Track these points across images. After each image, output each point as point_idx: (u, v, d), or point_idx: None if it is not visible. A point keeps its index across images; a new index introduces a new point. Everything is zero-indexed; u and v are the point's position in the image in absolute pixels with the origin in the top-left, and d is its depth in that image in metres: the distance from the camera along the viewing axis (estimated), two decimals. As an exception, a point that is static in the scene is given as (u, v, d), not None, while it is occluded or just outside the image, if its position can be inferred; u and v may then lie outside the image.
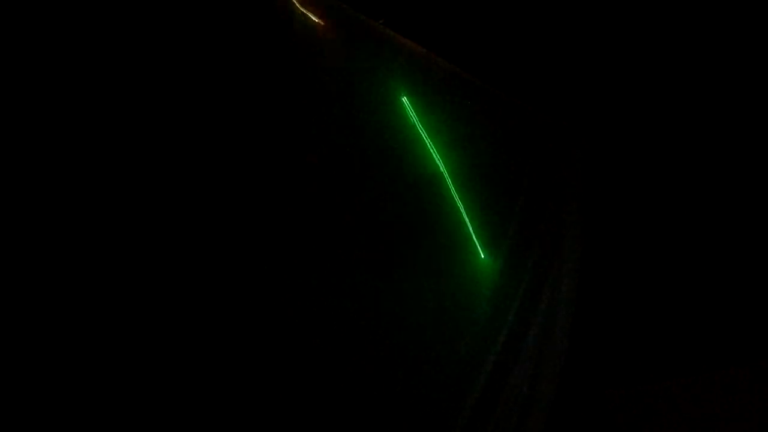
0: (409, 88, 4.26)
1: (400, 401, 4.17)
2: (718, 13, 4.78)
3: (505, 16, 4.69)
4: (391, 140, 4.24)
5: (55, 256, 3.47)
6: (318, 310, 4.01)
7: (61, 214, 3.50)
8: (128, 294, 3.58)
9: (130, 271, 3.62)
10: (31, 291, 3.43)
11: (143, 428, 3.54)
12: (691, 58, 4.91)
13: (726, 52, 4.85)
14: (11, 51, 3.47)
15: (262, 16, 4.01)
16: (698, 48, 4.88)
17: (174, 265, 3.67)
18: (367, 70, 4.20)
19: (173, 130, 3.74)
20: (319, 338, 3.99)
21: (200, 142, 3.80)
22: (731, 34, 4.81)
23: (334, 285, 4.04)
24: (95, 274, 3.57)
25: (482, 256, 4.50)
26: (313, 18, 4.08)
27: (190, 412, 3.63)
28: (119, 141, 3.64)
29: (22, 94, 3.48)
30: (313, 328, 4.00)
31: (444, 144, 4.35)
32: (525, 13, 4.73)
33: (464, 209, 4.38)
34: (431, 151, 4.30)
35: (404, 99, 4.23)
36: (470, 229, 4.42)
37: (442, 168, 4.34)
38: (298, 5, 4.05)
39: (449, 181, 4.37)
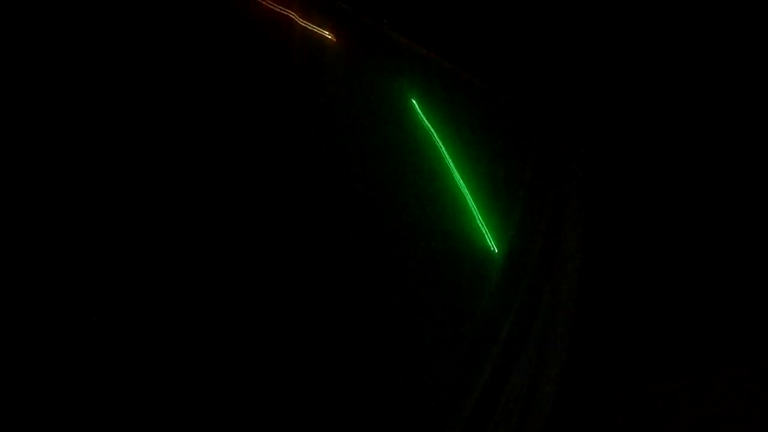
0: (418, 91, 4.36)
1: (401, 401, 4.18)
2: (718, 13, 4.78)
3: (506, 17, 4.69)
4: (403, 141, 4.34)
5: (51, 257, 3.48)
6: (319, 309, 4.02)
7: (53, 215, 3.50)
8: (132, 293, 3.59)
9: (135, 270, 3.62)
10: (30, 291, 3.43)
11: (143, 428, 3.54)
12: (691, 58, 4.91)
13: (726, 51, 4.85)
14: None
15: (277, 39, 4.11)
16: (698, 48, 4.88)
17: (197, 263, 3.72)
18: (378, 76, 4.32)
19: (195, 137, 3.83)
20: (319, 337, 4.00)
21: (224, 148, 3.89)
22: (731, 34, 4.81)
23: (341, 283, 4.06)
24: (92, 274, 3.57)
25: (494, 251, 4.55)
26: (324, 33, 4.19)
27: (190, 412, 3.63)
28: (141, 149, 3.69)
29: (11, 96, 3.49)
30: (314, 327, 4.00)
31: (452, 144, 4.42)
32: (526, 13, 4.73)
33: (474, 205, 4.45)
34: (441, 151, 4.40)
35: (414, 102, 4.34)
36: (481, 224, 4.49)
37: (451, 166, 4.43)
38: (309, 25, 4.14)
39: (458, 178, 4.45)
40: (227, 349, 3.76)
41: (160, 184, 3.72)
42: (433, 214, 4.40)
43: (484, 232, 4.53)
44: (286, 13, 4.14)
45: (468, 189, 4.44)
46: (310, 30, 4.18)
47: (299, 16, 4.16)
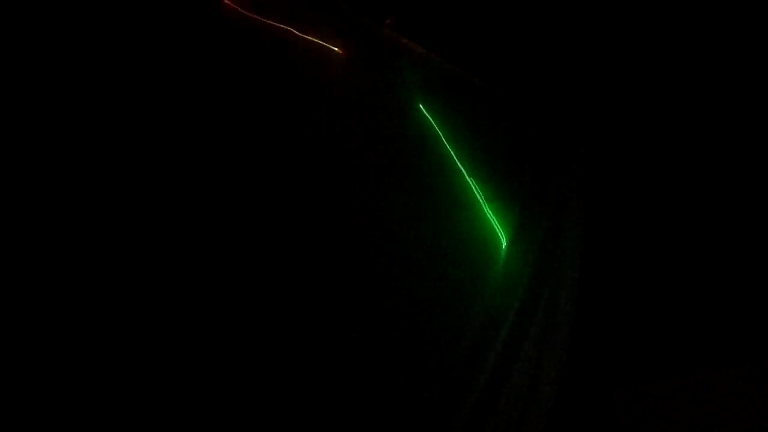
0: (425, 93, 4.45)
1: (400, 400, 4.18)
2: (718, 12, 4.78)
3: (505, 17, 4.69)
4: (414, 142, 4.44)
5: (49, 257, 3.48)
6: (319, 307, 4.02)
7: (51, 216, 3.51)
8: (130, 293, 3.59)
9: (134, 269, 3.62)
10: (30, 291, 3.43)
11: (143, 428, 3.54)
12: (690, 58, 4.91)
13: (726, 51, 4.85)
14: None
15: (285, 56, 4.20)
16: (698, 48, 4.88)
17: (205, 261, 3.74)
18: (387, 83, 4.41)
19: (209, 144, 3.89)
20: (318, 335, 4.00)
21: (235, 153, 3.99)
22: (731, 34, 4.81)
23: (342, 281, 4.08)
24: (92, 274, 3.57)
25: (504, 244, 4.60)
26: (332, 47, 4.26)
27: (190, 412, 3.63)
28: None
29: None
30: (313, 326, 4.01)
31: (458, 144, 4.49)
32: (526, 13, 4.73)
33: (484, 202, 4.53)
34: (449, 151, 4.48)
35: (421, 105, 4.44)
36: (492, 219, 4.56)
37: (460, 165, 4.51)
38: (317, 40, 4.22)
39: (467, 176, 4.51)
40: (228, 346, 3.76)
41: (173, 186, 3.74)
42: (442, 210, 4.46)
43: (494, 228, 4.56)
44: (293, 32, 4.20)
45: (477, 188, 4.49)
46: (318, 45, 4.26)
47: (308, 33, 4.23)
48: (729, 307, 4.79)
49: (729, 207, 4.87)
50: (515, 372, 4.47)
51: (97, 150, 3.65)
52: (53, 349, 3.39)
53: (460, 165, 4.50)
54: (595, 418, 4.80)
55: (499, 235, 4.57)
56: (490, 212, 4.53)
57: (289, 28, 4.23)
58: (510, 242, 4.63)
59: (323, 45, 4.27)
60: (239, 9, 4.13)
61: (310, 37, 4.25)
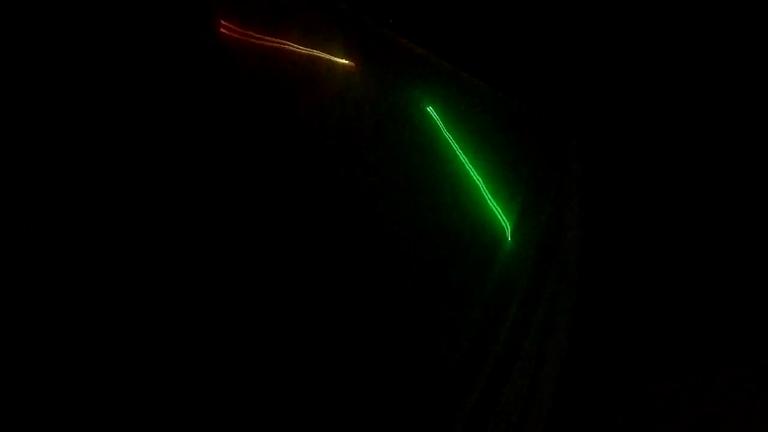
0: (433, 97, 4.52)
1: (400, 400, 4.18)
2: (718, 13, 4.78)
3: (506, 17, 4.69)
4: (423, 144, 4.50)
5: (46, 258, 3.48)
6: (320, 307, 4.03)
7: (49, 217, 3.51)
8: (132, 293, 3.59)
9: (138, 270, 3.62)
10: (30, 291, 3.44)
11: (143, 428, 3.54)
12: (690, 58, 4.91)
13: (726, 51, 4.85)
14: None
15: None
16: (698, 47, 4.87)
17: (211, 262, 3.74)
18: (397, 90, 4.46)
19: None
20: (318, 335, 4.00)
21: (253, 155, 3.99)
22: (731, 34, 4.81)
23: (344, 280, 4.09)
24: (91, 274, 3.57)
25: (509, 240, 4.64)
26: (344, 61, 4.28)
27: (191, 412, 3.63)
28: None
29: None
30: (314, 325, 4.01)
31: (466, 145, 4.55)
32: (526, 14, 4.73)
33: (492, 198, 4.60)
34: (457, 151, 4.55)
35: (429, 108, 4.51)
36: (501, 217, 4.62)
37: (468, 166, 4.57)
38: (330, 57, 4.24)
39: (475, 175, 4.58)
40: (228, 345, 3.76)
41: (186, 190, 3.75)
42: (448, 204, 4.50)
43: (503, 226, 4.62)
44: (301, 50, 4.20)
45: (481, 182, 4.56)
46: (332, 62, 4.27)
47: (317, 48, 4.24)
48: (729, 307, 4.79)
49: (729, 207, 4.87)
50: (515, 372, 4.48)
51: (106, 171, 3.64)
52: (53, 349, 3.39)
53: (466, 161, 4.54)
54: (595, 418, 4.80)
55: (503, 223, 4.60)
56: (494, 203, 4.55)
57: (296, 47, 4.20)
58: (513, 230, 4.63)
59: (334, 60, 4.27)
60: (239, 34, 4.06)
61: (319, 53, 4.24)
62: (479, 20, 4.64)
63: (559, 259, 4.78)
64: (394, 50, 4.43)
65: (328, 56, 4.26)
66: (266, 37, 4.15)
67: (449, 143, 4.51)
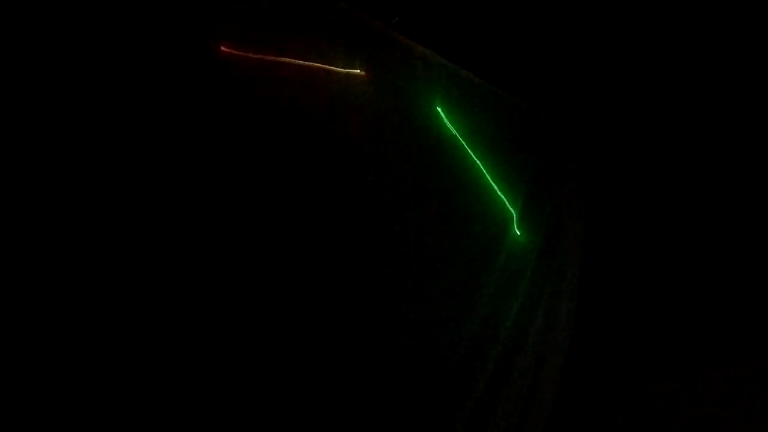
0: (439, 97, 4.53)
1: (400, 400, 4.17)
2: (718, 12, 4.79)
3: (506, 18, 4.69)
4: (433, 143, 4.52)
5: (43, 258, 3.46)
6: (320, 306, 4.02)
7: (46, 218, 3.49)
8: (135, 293, 3.58)
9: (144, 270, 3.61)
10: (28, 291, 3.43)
11: (143, 428, 3.54)
12: (690, 58, 4.91)
13: (726, 51, 4.85)
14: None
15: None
16: (698, 47, 4.88)
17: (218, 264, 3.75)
18: (407, 93, 4.45)
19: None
20: (318, 334, 4.00)
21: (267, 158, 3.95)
22: (731, 33, 4.82)
23: (345, 279, 4.08)
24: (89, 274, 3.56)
25: (518, 234, 4.67)
26: (354, 71, 4.24)
27: (191, 413, 3.62)
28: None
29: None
30: (314, 324, 4.00)
31: (471, 141, 4.59)
32: (526, 15, 4.73)
33: (502, 193, 4.65)
34: (466, 150, 4.59)
35: (438, 108, 4.52)
36: (510, 209, 4.66)
37: (476, 161, 4.60)
38: (340, 69, 4.20)
39: (483, 169, 4.61)
40: (229, 344, 3.75)
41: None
42: (461, 205, 4.52)
43: (512, 220, 4.66)
44: (309, 65, 4.13)
45: (489, 176, 4.61)
46: (343, 73, 4.21)
47: (327, 58, 4.17)
48: (729, 307, 4.79)
49: (729, 207, 4.87)
50: (515, 372, 4.48)
51: (114, 195, 3.61)
52: (53, 349, 3.39)
53: (474, 158, 4.56)
54: (595, 418, 4.81)
55: (509, 210, 4.65)
56: (500, 194, 4.59)
57: (304, 63, 4.11)
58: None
59: (344, 72, 4.22)
60: (241, 54, 3.94)
61: (328, 67, 4.17)
62: (481, 20, 4.65)
63: (560, 259, 4.78)
64: (403, 53, 4.42)
65: (337, 69, 4.19)
66: (270, 56, 4.05)
67: (458, 141, 4.52)
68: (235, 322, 3.76)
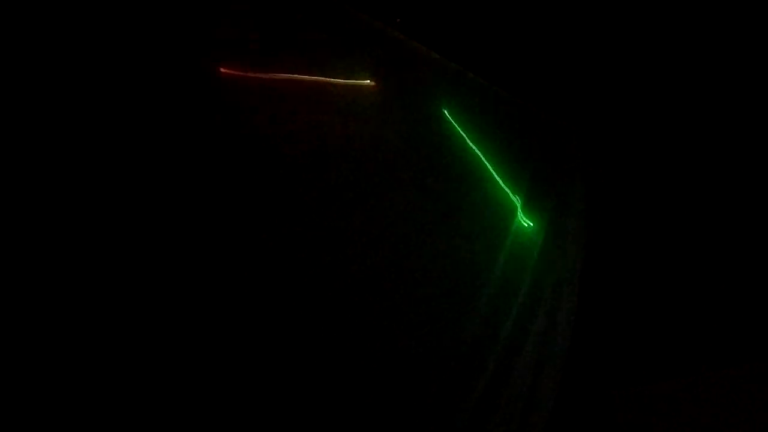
0: (446, 99, 4.56)
1: (400, 400, 4.17)
2: (718, 12, 4.79)
3: (507, 18, 4.70)
4: (443, 147, 4.56)
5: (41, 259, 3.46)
6: (320, 307, 4.02)
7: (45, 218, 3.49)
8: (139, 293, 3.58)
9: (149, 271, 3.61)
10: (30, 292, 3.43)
11: (143, 428, 3.53)
12: (690, 57, 4.92)
13: (726, 51, 4.86)
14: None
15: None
16: (698, 47, 4.88)
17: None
18: (416, 98, 4.49)
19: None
20: (319, 334, 4.00)
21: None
22: (731, 33, 4.82)
23: (346, 279, 4.08)
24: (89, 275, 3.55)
25: (530, 224, 4.70)
26: (364, 82, 4.23)
27: (191, 413, 3.62)
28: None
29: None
30: (314, 324, 4.00)
31: (479, 141, 4.62)
32: (527, 15, 4.74)
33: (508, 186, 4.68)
34: (474, 149, 4.62)
35: (444, 110, 4.55)
36: (518, 205, 4.69)
37: (485, 160, 4.63)
38: (351, 82, 4.17)
39: (492, 171, 4.64)
40: (229, 344, 3.75)
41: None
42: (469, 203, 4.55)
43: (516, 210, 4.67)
44: (317, 80, 4.09)
45: (494, 170, 4.64)
46: (352, 85, 4.19)
47: (336, 69, 4.15)
48: (728, 307, 4.79)
49: (729, 207, 4.88)
50: (515, 372, 4.48)
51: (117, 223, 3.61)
52: (53, 349, 3.38)
53: (482, 157, 4.59)
54: (595, 418, 4.80)
55: (513, 200, 4.67)
56: (505, 187, 4.62)
57: (310, 78, 4.06)
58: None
59: (353, 83, 4.18)
60: (242, 75, 3.87)
61: (335, 80, 4.12)
62: (482, 21, 4.66)
63: (560, 261, 4.78)
64: (411, 56, 4.41)
65: (345, 81, 4.15)
66: (271, 74, 3.98)
67: (466, 143, 4.54)
68: (237, 323, 3.76)
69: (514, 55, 4.73)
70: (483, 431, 4.31)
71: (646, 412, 4.73)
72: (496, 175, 4.61)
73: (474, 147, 4.54)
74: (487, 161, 4.58)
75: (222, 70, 3.86)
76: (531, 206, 4.72)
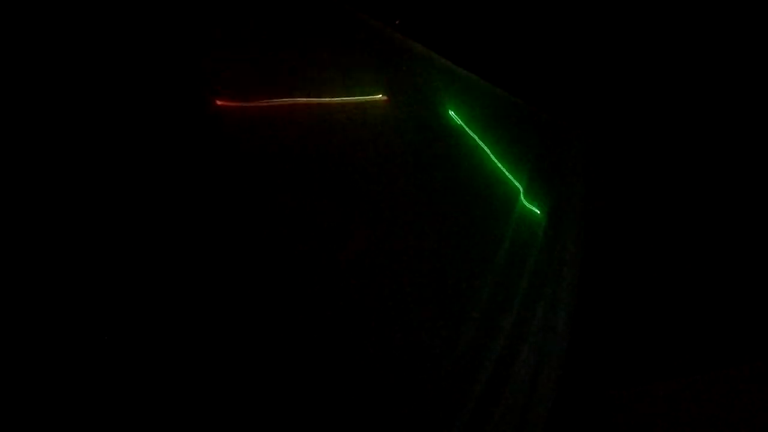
0: (453, 102, 4.54)
1: (400, 400, 4.17)
2: (718, 12, 4.79)
3: (507, 17, 4.70)
4: (453, 152, 4.56)
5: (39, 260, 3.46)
6: (320, 305, 4.01)
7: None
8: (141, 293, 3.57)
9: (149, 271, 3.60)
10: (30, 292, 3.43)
11: (143, 428, 3.53)
12: (690, 57, 4.92)
13: (726, 50, 4.86)
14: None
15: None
16: (698, 47, 4.89)
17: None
18: (425, 102, 4.47)
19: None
20: (318, 333, 3.99)
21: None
22: (731, 33, 4.82)
23: (345, 278, 4.08)
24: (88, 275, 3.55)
25: (538, 213, 4.74)
26: (376, 97, 4.12)
27: (189, 413, 3.62)
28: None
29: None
30: (313, 323, 4.00)
31: (484, 140, 4.65)
32: (527, 15, 4.74)
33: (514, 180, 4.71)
34: (486, 151, 4.64)
35: (451, 113, 4.54)
36: (527, 201, 4.72)
37: (493, 158, 4.65)
38: (353, 99, 4.05)
39: (499, 165, 4.67)
40: (229, 344, 3.75)
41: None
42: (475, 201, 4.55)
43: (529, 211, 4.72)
44: (329, 101, 3.93)
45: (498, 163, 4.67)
46: (364, 102, 4.06)
47: (347, 86, 4.01)
48: (728, 307, 4.80)
49: (729, 207, 4.88)
50: (515, 372, 4.48)
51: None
52: (53, 349, 3.38)
53: (492, 157, 4.62)
54: (595, 418, 4.81)
55: (516, 186, 4.69)
56: (507, 174, 4.66)
57: (316, 100, 3.87)
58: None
59: (364, 100, 4.04)
60: (239, 105, 3.63)
61: (346, 99, 3.96)
62: (483, 21, 4.66)
63: (559, 260, 4.78)
64: (420, 63, 4.40)
65: (356, 98, 4.00)
66: (272, 101, 3.76)
67: (476, 143, 4.56)
68: (236, 324, 3.76)
69: (514, 55, 4.73)
70: (482, 431, 4.31)
71: (646, 412, 4.73)
72: (511, 176, 4.66)
73: (488, 150, 4.58)
74: (494, 164, 4.62)
75: (218, 102, 3.64)
76: (531, 205, 4.73)
